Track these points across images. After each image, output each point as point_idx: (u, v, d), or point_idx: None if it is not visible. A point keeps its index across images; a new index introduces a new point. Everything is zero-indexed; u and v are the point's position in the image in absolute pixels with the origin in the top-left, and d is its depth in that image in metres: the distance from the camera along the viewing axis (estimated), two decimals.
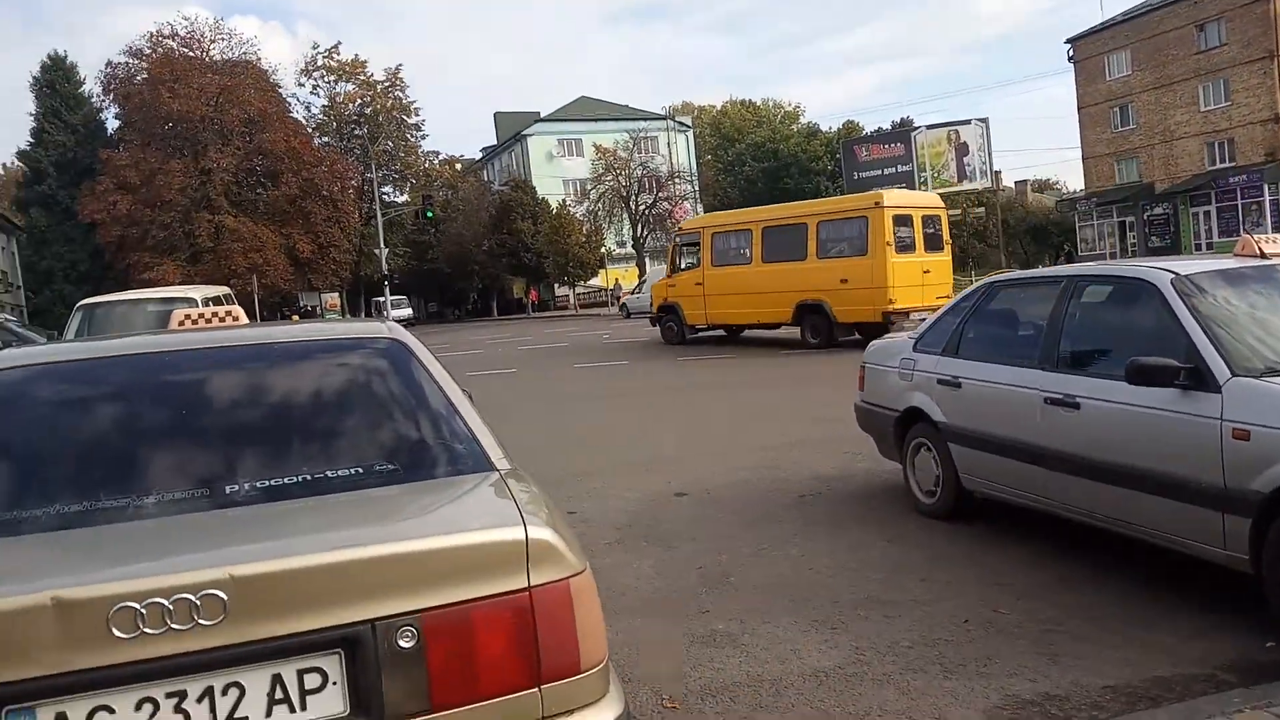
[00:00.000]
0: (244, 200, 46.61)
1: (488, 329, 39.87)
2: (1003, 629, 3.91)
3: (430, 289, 62.34)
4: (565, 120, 63.69)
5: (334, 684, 1.88)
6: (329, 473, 2.44)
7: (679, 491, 6.87)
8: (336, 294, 50.45)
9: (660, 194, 53.38)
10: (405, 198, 59.21)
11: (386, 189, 57.57)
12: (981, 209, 53.63)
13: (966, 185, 49.66)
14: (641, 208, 51.41)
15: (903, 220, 17.59)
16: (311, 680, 1.87)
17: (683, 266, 21.30)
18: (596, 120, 61.40)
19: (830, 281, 17.68)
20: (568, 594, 2.02)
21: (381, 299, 42.80)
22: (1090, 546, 4.76)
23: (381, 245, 44.21)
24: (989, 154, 49.53)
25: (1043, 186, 77.67)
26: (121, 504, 2.28)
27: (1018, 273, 6.69)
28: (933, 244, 18.10)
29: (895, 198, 18.52)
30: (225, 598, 1.80)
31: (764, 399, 11.91)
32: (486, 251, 52.73)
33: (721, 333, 21.37)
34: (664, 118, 61.64)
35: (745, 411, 10.90)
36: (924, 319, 18.45)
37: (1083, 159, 50.94)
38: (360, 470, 2.48)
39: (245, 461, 2.51)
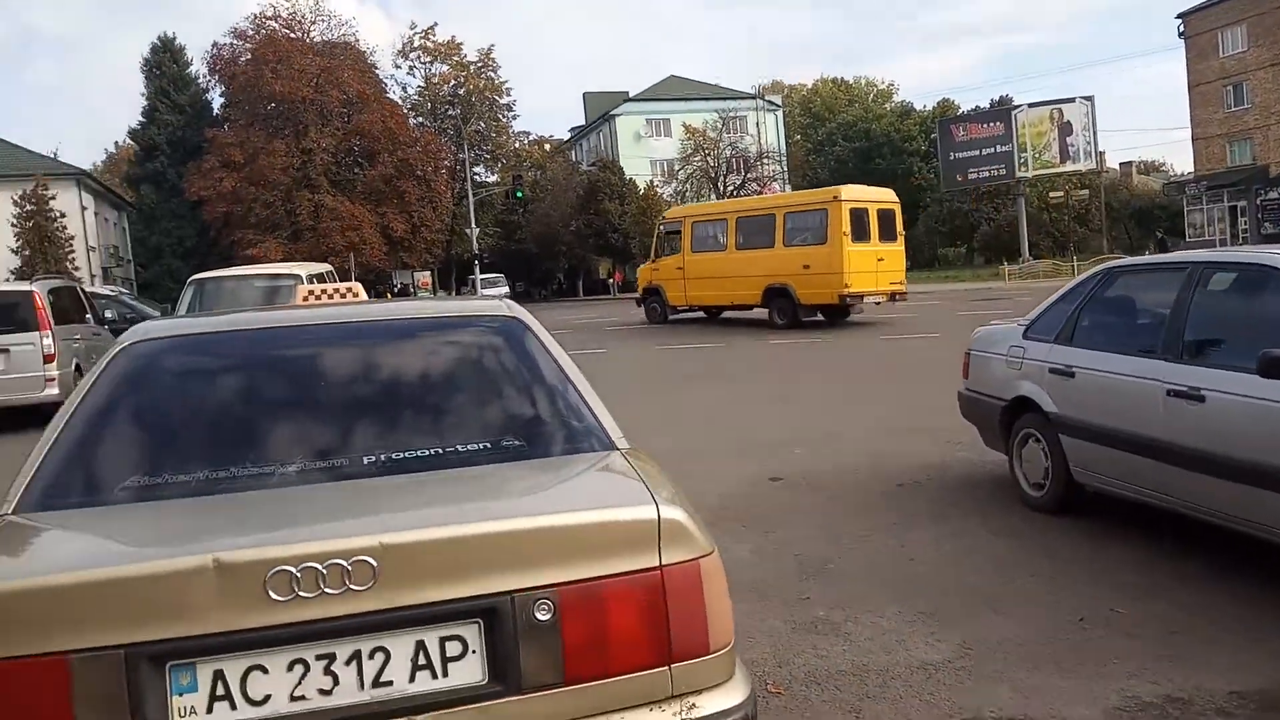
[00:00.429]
0: (342, 180, 47.78)
1: (575, 308, 40.18)
2: (1119, 628, 3.80)
3: (518, 268, 63.17)
4: (654, 100, 63.47)
5: (473, 653, 1.93)
6: (459, 447, 2.50)
7: (773, 476, 6.83)
8: (428, 272, 51.47)
9: (749, 174, 52.89)
10: (495, 178, 59.93)
11: (478, 169, 58.31)
12: (1085, 191, 51.62)
13: (1069, 166, 47.73)
14: (730, 188, 51.01)
15: (859, 213, 19.44)
16: (453, 648, 1.92)
17: (666, 253, 23.34)
18: (685, 100, 61.05)
19: (794, 267, 19.67)
20: (698, 575, 2.04)
21: (473, 277, 43.41)
22: (1209, 545, 4.58)
23: (473, 225, 44.87)
24: (1093, 134, 47.50)
25: (1149, 168, 74.39)
26: (266, 471, 2.39)
27: (1137, 258, 6.44)
28: (886, 235, 20.00)
29: (852, 193, 20.40)
30: (375, 564, 1.85)
31: (857, 385, 11.74)
32: (573, 232, 53.08)
33: (701, 314, 23.26)
34: (753, 97, 60.91)
35: (839, 396, 10.77)
36: (878, 302, 19.44)
37: (1192, 140, 48.58)
38: (488, 445, 2.54)
39: (379, 434, 2.60)
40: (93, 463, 2.48)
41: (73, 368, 12.70)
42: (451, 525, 2.00)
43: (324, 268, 15.95)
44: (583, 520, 2.06)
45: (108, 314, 16.60)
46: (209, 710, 1.82)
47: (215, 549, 1.86)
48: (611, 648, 1.98)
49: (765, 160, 53.94)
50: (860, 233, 19.28)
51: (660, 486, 2.19)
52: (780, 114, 65.83)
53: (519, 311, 3.09)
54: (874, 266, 19.40)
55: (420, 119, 56.31)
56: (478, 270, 43.79)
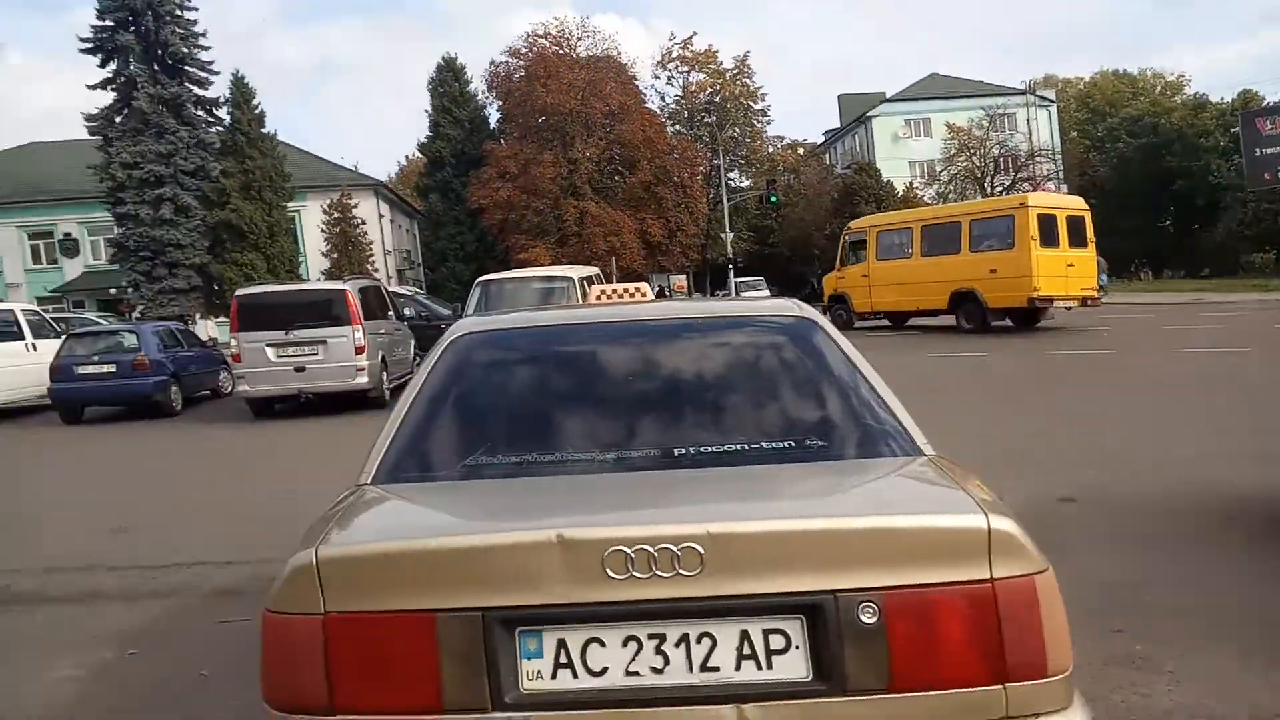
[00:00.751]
0: (604, 187, 49.86)
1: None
2: None
3: (770, 272, 63.19)
4: (913, 99, 61.41)
5: (796, 648, 1.92)
6: (763, 444, 2.53)
7: (1064, 496, 6.37)
8: (683, 276, 52.64)
9: (1019, 174, 49.88)
10: (749, 183, 60.30)
11: (732, 174, 58.97)
12: None
13: None
14: (998, 189, 48.32)
15: (1047, 219, 19.85)
16: (776, 641, 1.93)
17: (851, 262, 24.35)
18: (948, 98, 58.55)
19: (981, 272, 20.21)
20: (1033, 591, 1.95)
21: (733, 280, 43.87)
22: None
23: (727, 229, 45.39)
24: None
25: None
26: (585, 457, 2.53)
27: None
28: (1076, 241, 20.20)
29: (1040, 199, 21.87)
30: (702, 552, 1.89)
31: (1154, 399, 10.72)
32: (827, 236, 52.22)
33: (886, 321, 23.88)
34: (1024, 92, 57.43)
35: (1134, 412, 9.89)
36: (1068, 307, 19.69)
37: None
38: (792, 444, 2.55)
39: (686, 427, 2.68)
40: (434, 442, 2.72)
41: (378, 359, 14.11)
42: (775, 519, 2.03)
43: (593, 270, 16.75)
44: (910, 524, 2.01)
45: (406, 311, 18.29)
46: (553, 676, 1.93)
47: (559, 525, 1.97)
48: (941, 659, 1.92)
49: (1038, 159, 50.64)
50: (1049, 238, 19.63)
51: (988, 497, 2.12)
52: (1054, 110, 61.63)
53: (810, 312, 3.09)
54: (1064, 271, 19.71)
55: (677, 127, 57.65)
56: (732, 274, 44.20)
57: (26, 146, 50.41)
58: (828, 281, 26.31)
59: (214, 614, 5.14)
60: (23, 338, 17.01)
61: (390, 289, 20.57)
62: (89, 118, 37.98)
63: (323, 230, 42.83)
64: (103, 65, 37.83)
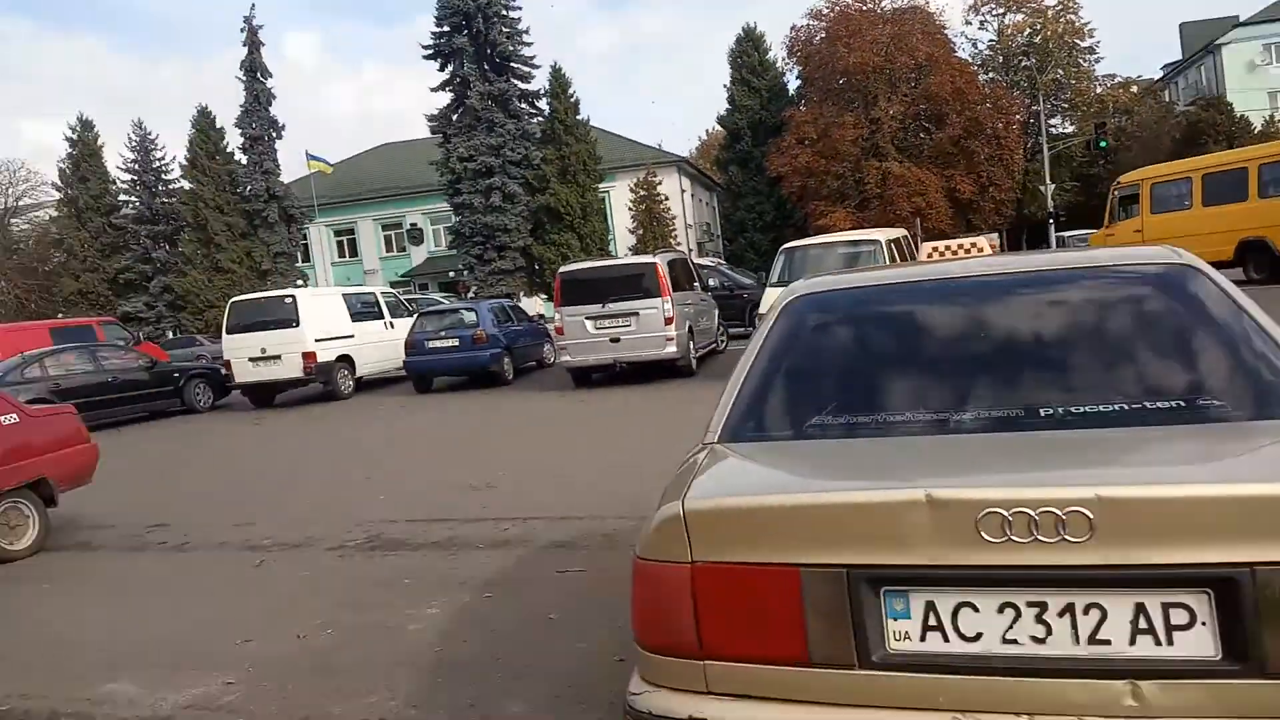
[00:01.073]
0: (908, 146, 47.74)
1: None
2: None
3: (1097, 225, 57.68)
4: (1274, 20, 52.96)
5: (1202, 624, 1.75)
6: (1146, 404, 2.28)
7: None
8: (995, 234, 49.39)
9: None
10: (1073, 128, 55.17)
11: (1054, 120, 54.19)
12: None
13: None
14: None
15: None
16: (1178, 616, 1.76)
17: (1121, 218, 22.80)
18: None
19: (1272, 219, 19.06)
20: None
21: (1059, 234, 40.52)
22: None
23: (1047, 181, 41.89)
24: None
25: None
26: (942, 417, 2.41)
27: None
28: None
29: None
30: (1091, 517, 1.76)
31: None
32: None
33: None
34: None
35: None
36: None
37: None
38: (1182, 404, 2.28)
39: (1052, 386, 2.49)
40: (779, 402, 2.71)
41: (686, 329, 14.54)
42: (1178, 484, 1.83)
43: (900, 233, 16.09)
44: None
45: (710, 282, 18.69)
46: (922, 638, 1.88)
47: (926, 485, 1.90)
48: None
49: None
50: None
51: None
52: None
53: (1190, 257, 2.73)
54: None
55: (991, 74, 53.84)
56: (1053, 229, 40.78)
57: (379, 148, 57.29)
58: (1094, 239, 25.07)
59: (554, 564, 5.56)
60: (382, 317, 19.38)
61: (695, 261, 21.10)
62: (430, 118, 42.41)
63: (630, 208, 44.80)
64: (441, 69, 42.02)
